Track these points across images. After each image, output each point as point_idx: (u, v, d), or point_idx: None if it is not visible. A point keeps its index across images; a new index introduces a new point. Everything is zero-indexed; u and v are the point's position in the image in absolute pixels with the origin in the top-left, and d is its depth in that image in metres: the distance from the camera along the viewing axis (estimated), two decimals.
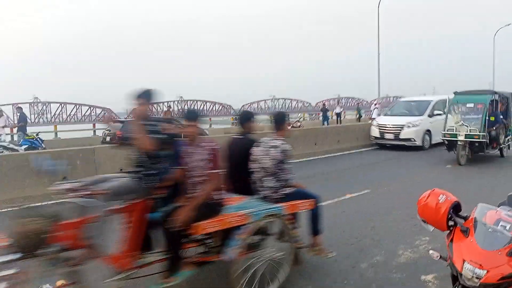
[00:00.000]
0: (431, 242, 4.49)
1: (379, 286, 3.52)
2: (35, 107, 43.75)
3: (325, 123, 22.98)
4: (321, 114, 25.63)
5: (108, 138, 13.55)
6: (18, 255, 2.49)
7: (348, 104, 45.82)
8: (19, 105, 18.50)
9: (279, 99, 46.18)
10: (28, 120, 20.68)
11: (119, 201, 3.03)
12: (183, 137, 3.36)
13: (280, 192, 3.66)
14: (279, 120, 3.88)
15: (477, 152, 10.03)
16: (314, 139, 12.57)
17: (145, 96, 3.29)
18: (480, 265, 1.73)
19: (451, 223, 2.01)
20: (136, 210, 3.09)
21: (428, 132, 13.03)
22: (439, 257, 2.02)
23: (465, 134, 9.63)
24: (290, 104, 47.45)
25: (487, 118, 9.56)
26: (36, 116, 43.53)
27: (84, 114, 48.25)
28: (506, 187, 6.45)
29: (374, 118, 19.93)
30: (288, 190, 3.69)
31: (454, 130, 9.92)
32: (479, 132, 9.46)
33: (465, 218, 2.01)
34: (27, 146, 12.12)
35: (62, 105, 46.51)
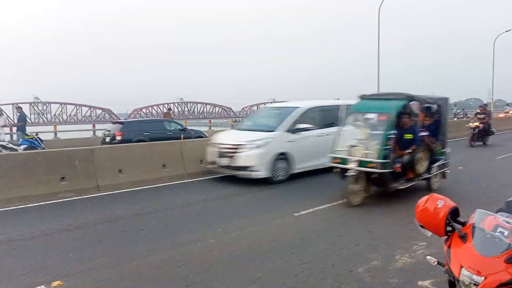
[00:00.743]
0: (428, 247, 4.47)
1: None
2: (36, 107, 43.87)
3: None
4: None
5: (108, 139, 13.55)
6: None
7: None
8: (19, 105, 18.51)
9: (280, 102, 45.94)
10: (28, 120, 20.68)
11: None
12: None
13: None
14: None
15: (382, 185, 6.72)
16: None
17: None
18: (478, 271, 1.71)
19: (449, 228, 2.00)
20: None
21: (283, 156, 8.51)
22: (436, 262, 2.00)
23: (360, 161, 6.37)
24: None
25: (391, 135, 6.46)
26: (36, 116, 43.59)
27: (84, 115, 48.29)
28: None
29: None
30: None
31: (347, 152, 6.57)
32: (375, 158, 6.25)
33: (463, 224, 1.99)
34: (26, 146, 12.11)
35: (62, 105, 46.62)
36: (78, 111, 45.40)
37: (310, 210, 6.16)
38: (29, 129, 16.41)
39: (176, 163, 9.26)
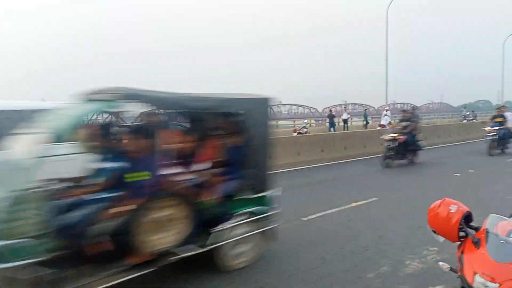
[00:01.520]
0: (439, 252, 4.40)
1: None
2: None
3: (332, 129, 22.90)
4: (327, 120, 25.56)
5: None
6: None
7: (355, 111, 45.54)
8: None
9: (285, 104, 46.01)
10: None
11: None
12: None
13: None
14: None
15: None
16: (321, 146, 12.52)
17: None
18: (492, 278, 1.67)
19: (462, 234, 1.96)
20: None
21: None
22: (449, 268, 1.96)
23: None
24: (296, 110, 47.33)
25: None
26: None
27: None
28: None
29: (383, 125, 19.75)
30: None
31: None
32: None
33: (476, 229, 1.95)
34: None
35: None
36: None
37: (318, 214, 6.11)
38: None
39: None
